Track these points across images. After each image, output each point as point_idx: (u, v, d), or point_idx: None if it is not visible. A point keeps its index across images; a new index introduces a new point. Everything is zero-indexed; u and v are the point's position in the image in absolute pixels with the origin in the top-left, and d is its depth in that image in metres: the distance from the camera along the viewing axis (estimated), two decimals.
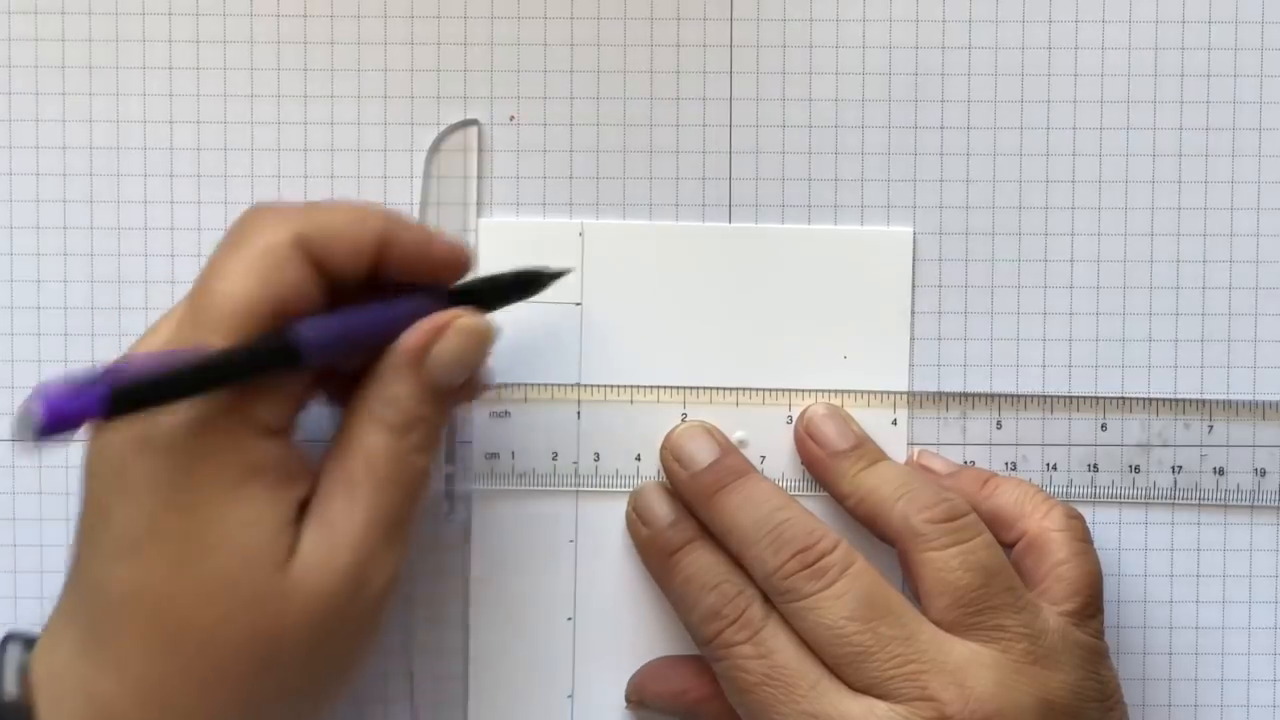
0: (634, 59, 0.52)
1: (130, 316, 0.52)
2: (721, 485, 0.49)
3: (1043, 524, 0.48)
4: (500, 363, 0.49)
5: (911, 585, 0.48)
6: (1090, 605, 0.48)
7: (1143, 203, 0.52)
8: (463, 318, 0.45)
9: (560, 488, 0.51)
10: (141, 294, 0.52)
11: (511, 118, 0.52)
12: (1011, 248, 0.52)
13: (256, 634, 0.42)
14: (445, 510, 0.51)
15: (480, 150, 0.51)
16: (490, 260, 0.51)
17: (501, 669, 0.51)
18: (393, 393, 0.44)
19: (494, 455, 0.51)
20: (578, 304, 0.51)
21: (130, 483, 0.41)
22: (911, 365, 0.52)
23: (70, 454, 0.51)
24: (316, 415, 0.46)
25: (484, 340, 0.45)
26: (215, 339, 0.42)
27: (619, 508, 0.51)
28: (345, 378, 0.45)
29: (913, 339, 0.52)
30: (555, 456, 0.51)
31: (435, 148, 0.51)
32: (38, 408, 0.38)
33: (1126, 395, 0.52)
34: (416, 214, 0.51)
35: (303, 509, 0.43)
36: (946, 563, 0.46)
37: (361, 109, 0.51)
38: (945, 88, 0.52)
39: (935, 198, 0.52)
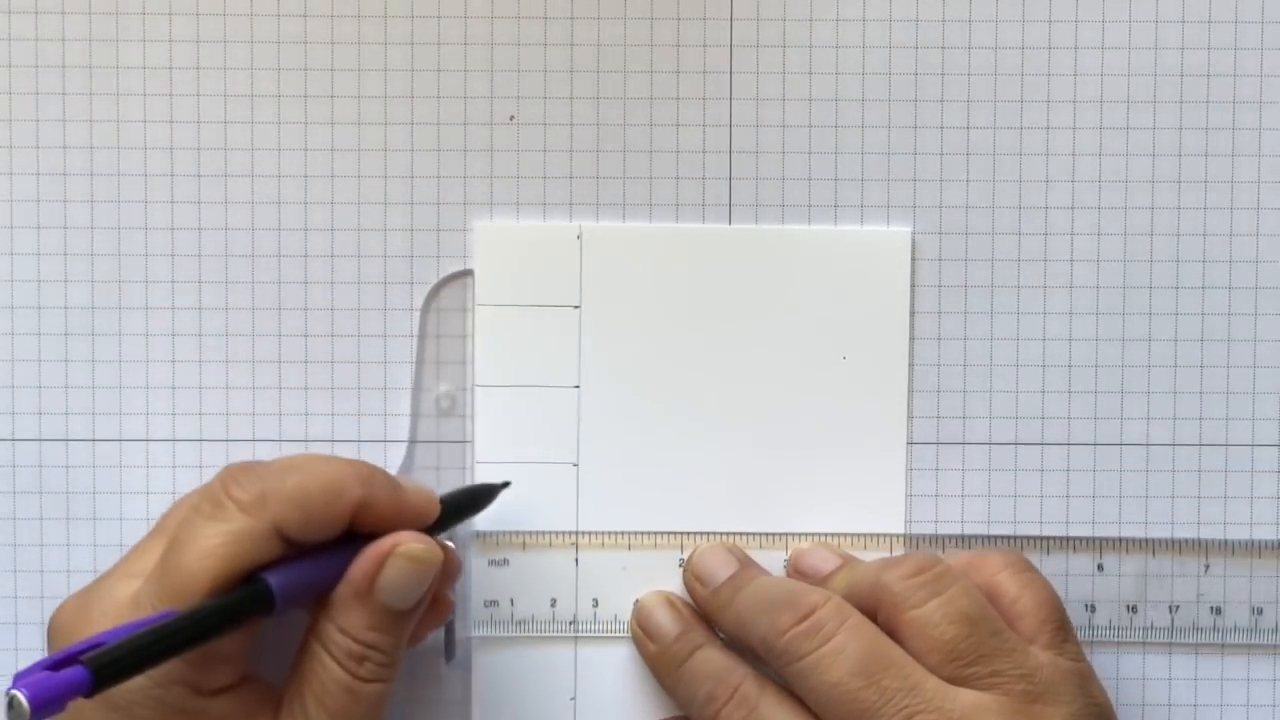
0: (634, 59, 0.51)
1: (130, 316, 0.52)
2: (738, 590, 0.49)
3: (983, 572, 0.48)
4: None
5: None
6: (1060, 630, 0.47)
7: (1143, 203, 0.52)
8: (405, 543, 0.45)
9: (559, 634, 0.51)
10: (141, 294, 0.52)
11: (511, 118, 0.52)
12: (1011, 248, 0.52)
13: None
14: (445, 658, 0.51)
15: (474, 306, 0.51)
16: (489, 264, 0.51)
17: None
18: (344, 622, 0.45)
19: (493, 603, 0.51)
20: (576, 307, 0.51)
21: None
22: (911, 365, 0.52)
23: (70, 454, 0.52)
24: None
25: (428, 563, 0.45)
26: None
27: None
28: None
29: (912, 339, 0.52)
30: (554, 603, 0.51)
31: (434, 293, 0.51)
32: (22, 699, 0.38)
33: (1123, 536, 0.52)
34: (412, 374, 0.51)
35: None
36: (928, 619, 0.46)
37: (361, 109, 0.51)
38: (945, 88, 0.52)
39: (935, 198, 0.52)
